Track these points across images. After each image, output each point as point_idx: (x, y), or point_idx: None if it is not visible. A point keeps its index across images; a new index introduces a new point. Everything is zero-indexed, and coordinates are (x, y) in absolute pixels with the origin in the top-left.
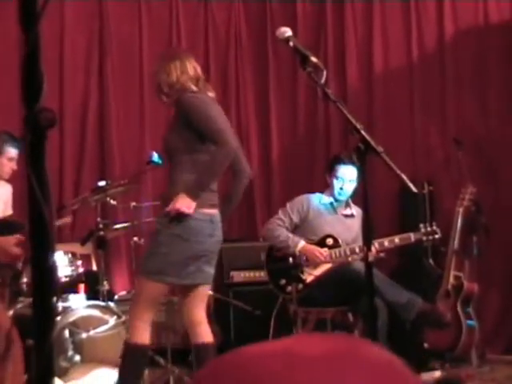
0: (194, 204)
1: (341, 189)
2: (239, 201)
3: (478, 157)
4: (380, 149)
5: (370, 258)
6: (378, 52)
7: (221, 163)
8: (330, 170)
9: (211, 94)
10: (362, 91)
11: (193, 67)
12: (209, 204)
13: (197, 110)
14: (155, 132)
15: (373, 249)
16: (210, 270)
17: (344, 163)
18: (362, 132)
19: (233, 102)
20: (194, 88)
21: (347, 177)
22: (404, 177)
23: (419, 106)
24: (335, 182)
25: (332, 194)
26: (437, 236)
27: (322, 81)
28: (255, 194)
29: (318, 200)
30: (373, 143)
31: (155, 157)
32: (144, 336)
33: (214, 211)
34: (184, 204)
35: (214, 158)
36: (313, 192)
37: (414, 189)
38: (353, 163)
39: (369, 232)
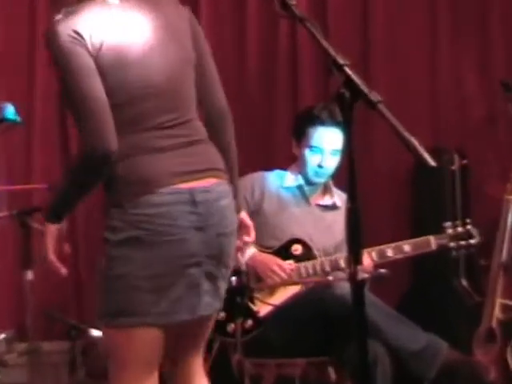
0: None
1: (319, 166)
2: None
3: None
4: (376, 97)
5: (362, 276)
6: None
7: (77, 171)
8: (300, 135)
9: None
10: (353, 7)
11: None
12: (180, 171)
13: (58, 58)
14: (8, 73)
15: (366, 261)
16: (216, 290)
17: (323, 124)
18: (347, 70)
19: None
20: None
21: (328, 146)
22: (416, 143)
23: (445, 32)
24: (308, 154)
25: (303, 173)
26: (473, 241)
27: None
28: None
29: (279, 181)
30: (364, 88)
31: (9, 111)
32: None
33: (196, 184)
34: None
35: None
36: (270, 169)
37: (432, 162)
38: (337, 124)
39: (358, 233)
